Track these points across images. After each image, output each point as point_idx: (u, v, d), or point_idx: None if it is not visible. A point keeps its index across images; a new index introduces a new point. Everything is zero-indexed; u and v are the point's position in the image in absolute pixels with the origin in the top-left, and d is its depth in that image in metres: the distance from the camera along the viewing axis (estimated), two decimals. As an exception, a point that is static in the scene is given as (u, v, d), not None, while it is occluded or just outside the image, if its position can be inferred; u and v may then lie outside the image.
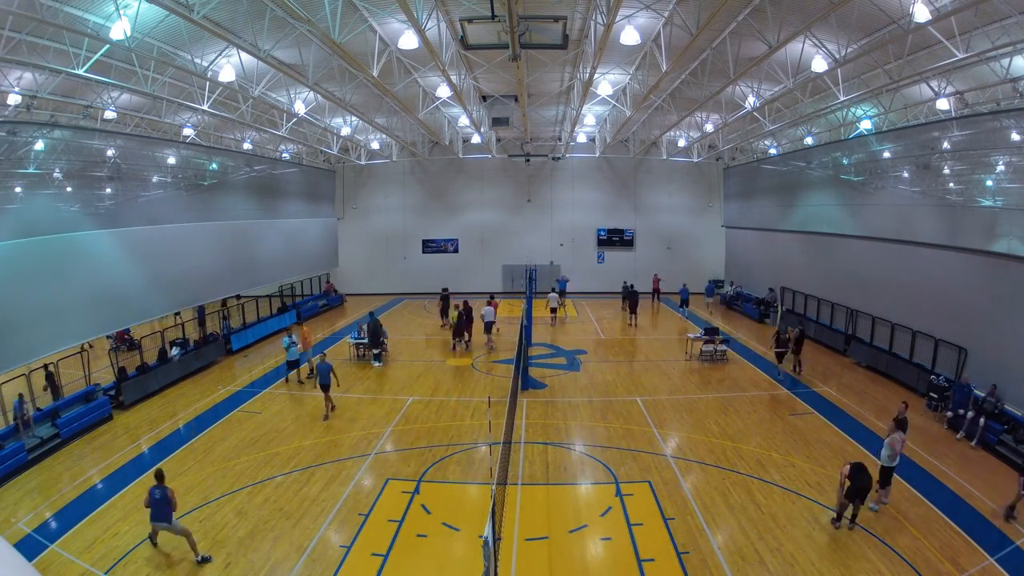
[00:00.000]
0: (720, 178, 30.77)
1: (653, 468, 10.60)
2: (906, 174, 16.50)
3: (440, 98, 18.24)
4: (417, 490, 9.81)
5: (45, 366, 13.80)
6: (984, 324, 13.14)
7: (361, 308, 28.03)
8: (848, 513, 8.51)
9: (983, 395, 12.01)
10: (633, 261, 31.12)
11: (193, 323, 20.64)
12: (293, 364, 15.90)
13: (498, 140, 29.12)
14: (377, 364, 17.58)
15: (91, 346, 16.01)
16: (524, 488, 9.85)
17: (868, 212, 18.39)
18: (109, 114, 15.24)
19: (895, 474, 9.44)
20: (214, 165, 21.61)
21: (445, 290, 24.96)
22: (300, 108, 16.95)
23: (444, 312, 22.66)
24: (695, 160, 29.56)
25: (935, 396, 13.30)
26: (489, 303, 20.05)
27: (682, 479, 10.18)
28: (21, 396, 11.77)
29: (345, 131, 22.92)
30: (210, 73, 12.50)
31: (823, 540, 8.26)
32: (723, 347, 18.12)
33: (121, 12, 9.40)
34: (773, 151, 24.15)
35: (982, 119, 12.96)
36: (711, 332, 18.60)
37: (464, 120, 22.15)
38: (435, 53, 11.73)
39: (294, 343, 15.79)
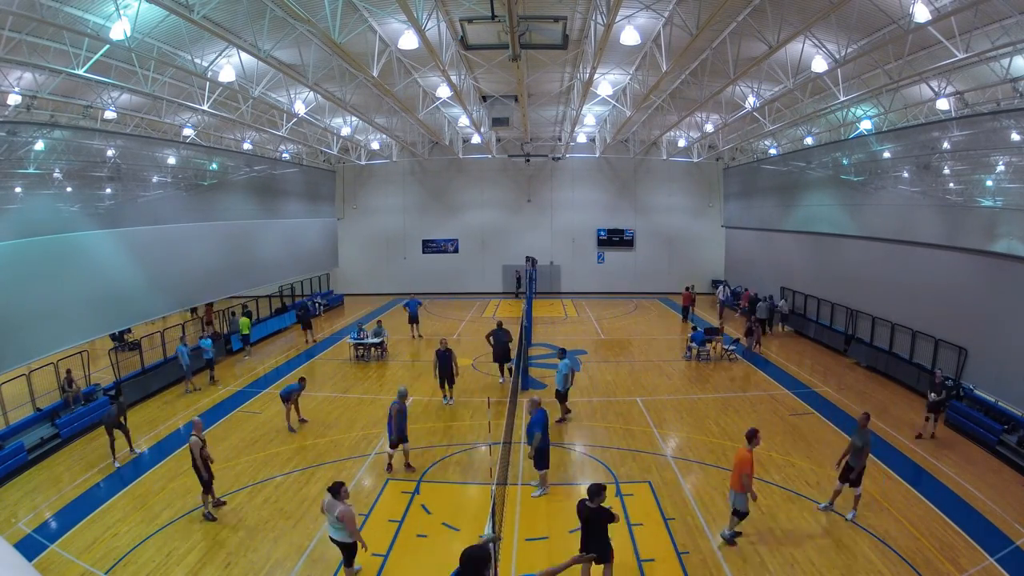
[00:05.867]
0: (720, 178, 30.78)
1: (653, 468, 10.60)
2: (906, 174, 16.50)
3: (440, 98, 18.24)
4: (417, 490, 9.81)
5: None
6: (984, 324, 13.14)
7: (361, 308, 28.06)
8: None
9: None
10: (633, 261, 31.14)
11: (197, 323, 20.71)
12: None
13: (498, 140, 29.12)
14: (448, 402, 14.19)
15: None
16: (524, 488, 9.85)
17: (868, 212, 18.40)
18: (109, 114, 15.26)
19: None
20: (214, 165, 21.62)
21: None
22: (300, 108, 16.96)
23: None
24: (695, 160, 29.57)
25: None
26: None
27: (682, 479, 10.18)
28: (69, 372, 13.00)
29: (345, 131, 22.94)
30: (210, 73, 12.50)
31: (823, 540, 8.25)
32: (732, 347, 18.14)
33: (121, 12, 9.40)
34: (773, 151, 24.17)
35: (982, 119, 12.97)
36: (712, 332, 18.60)
37: (464, 120, 22.15)
38: (435, 53, 11.73)
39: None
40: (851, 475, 8.65)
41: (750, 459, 7.89)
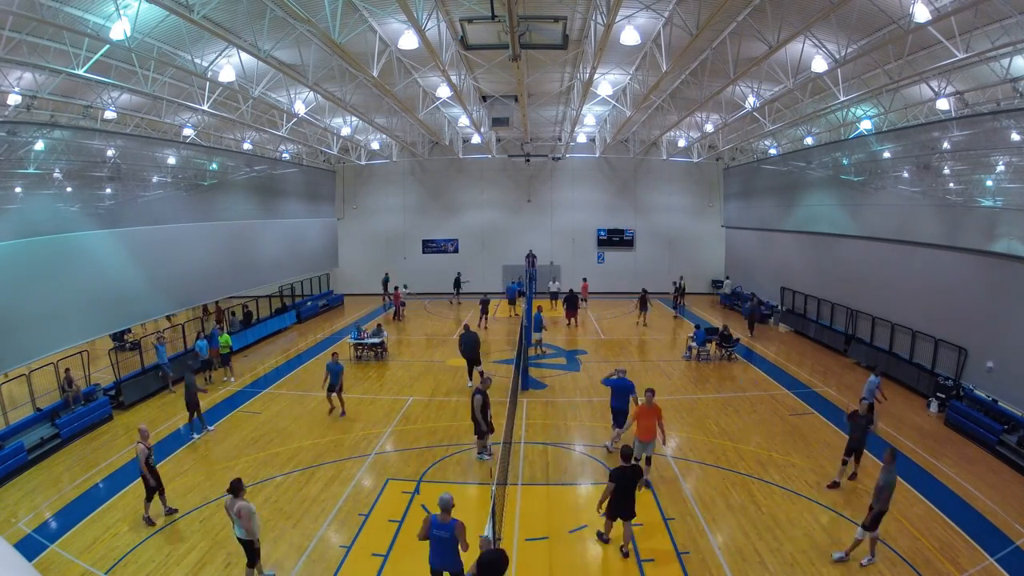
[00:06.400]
0: (720, 178, 30.77)
1: (653, 468, 10.58)
2: (906, 174, 16.50)
3: (440, 98, 18.23)
4: (417, 490, 9.81)
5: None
6: (984, 324, 13.15)
7: (361, 308, 28.08)
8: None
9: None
10: (633, 261, 31.13)
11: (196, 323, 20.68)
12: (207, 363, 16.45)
13: (498, 140, 29.11)
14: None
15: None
16: (524, 488, 9.85)
17: (868, 212, 18.40)
18: (109, 114, 15.25)
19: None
20: (214, 165, 21.61)
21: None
22: (300, 108, 16.94)
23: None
24: (695, 160, 29.56)
25: (942, 396, 13.35)
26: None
27: (682, 479, 10.18)
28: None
29: (345, 131, 22.93)
30: (210, 73, 12.50)
31: (823, 540, 8.25)
32: (731, 348, 18.15)
33: (121, 12, 9.40)
34: (773, 151, 24.16)
35: (982, 119, 12.96)
36: (712, 332, 18.60)
37: (464, 120, 22.15)
38: (435, 53, 11.73)
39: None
40: (866, 517, 7.71)
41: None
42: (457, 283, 28.98)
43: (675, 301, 26.33)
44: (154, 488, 8.84)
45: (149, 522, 8.83)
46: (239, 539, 7.28)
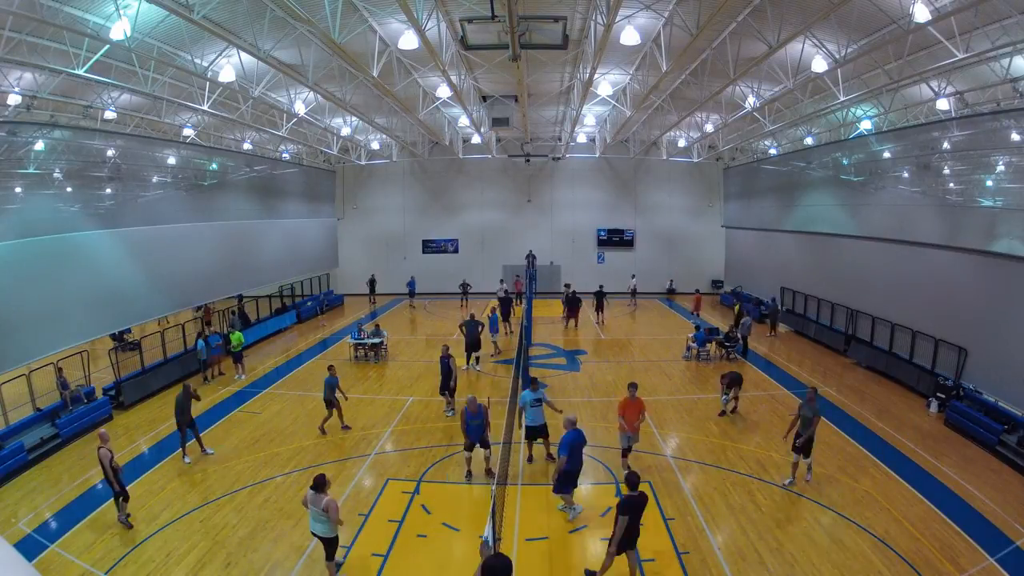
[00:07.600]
0: (720, 178, 30.78)
1: (653, 468, 10.60)
2: (906, 174, 16.50)
3: (440, 98, 18.24)
4: (417, 490, 9.81)
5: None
6: (984, 324, 13.14)
7: (361, 308, 28.08)
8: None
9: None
10: (633, 261, 31.14)
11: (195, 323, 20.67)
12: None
13: (498, 140, 29.12)
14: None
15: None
16: (524, 488, 9.85)
17: (868, 212, 18.40)
18: (109, 114, 15.24)
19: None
20: (214, 165, 21.61)
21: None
22: (300, 108, 16.95)
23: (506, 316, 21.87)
24: (695, 160, 29.57)
25: (942, 396, 13.34)
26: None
27: (682, 479, 10.18)
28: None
29: (345, 131, 22.94)
30: (210, 73, 12.50)
31: (823, 540, 8.25)
32: (731, 346, 18.14)
33: (121, 12, 9.40)
34: (773, 151, 24.17)
35: (982, 119, 12.97)
36: (712, 332, 18.60)
37: (464, 120, 22.15)
38: (435, 53, 11.73)
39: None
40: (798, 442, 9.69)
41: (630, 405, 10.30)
42: (465, 290, 28.57)
43: (599, 314, 24.32)
44: (120, 493, 8.65)
45: (127, 523, 8.71)
46: (315, 535, 7.27)
